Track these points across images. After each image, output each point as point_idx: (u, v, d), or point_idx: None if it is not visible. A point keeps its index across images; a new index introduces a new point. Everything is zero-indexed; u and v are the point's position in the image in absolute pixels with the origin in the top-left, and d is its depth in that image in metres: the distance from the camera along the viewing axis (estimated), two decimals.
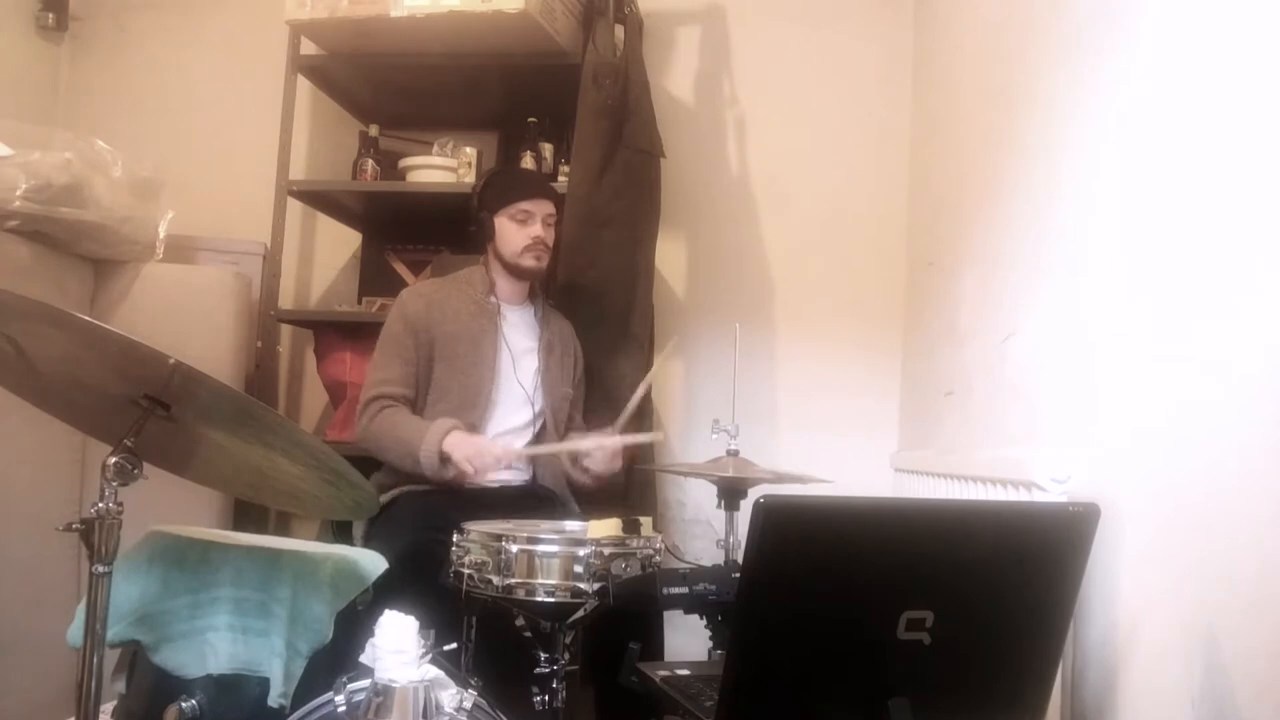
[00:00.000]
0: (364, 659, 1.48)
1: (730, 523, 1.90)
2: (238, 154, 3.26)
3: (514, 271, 2.48)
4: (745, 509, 1.38)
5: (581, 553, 1.72)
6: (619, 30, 2.90)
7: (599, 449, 2.35)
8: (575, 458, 2.40)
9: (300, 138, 3.11)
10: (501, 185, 2.51)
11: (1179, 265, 1.44)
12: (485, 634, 1.95)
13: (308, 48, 2.97)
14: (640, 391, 2.37)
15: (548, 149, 3.02)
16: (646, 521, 1.82)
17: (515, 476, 2.46)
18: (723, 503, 1.92)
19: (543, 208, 2.47)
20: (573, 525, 1.99)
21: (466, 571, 1.78)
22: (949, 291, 2.54)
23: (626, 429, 2.37)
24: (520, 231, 2.44)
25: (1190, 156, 1.42)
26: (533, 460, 2.48)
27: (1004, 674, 1.30)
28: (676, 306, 3.23)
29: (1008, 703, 1.31)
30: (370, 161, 3.07)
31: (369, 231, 3.35)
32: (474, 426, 2.36)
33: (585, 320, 2.70)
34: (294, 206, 3.06)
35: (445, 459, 2.24)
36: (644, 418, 2.89)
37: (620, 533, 1.79)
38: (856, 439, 3.02)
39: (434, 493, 2.30)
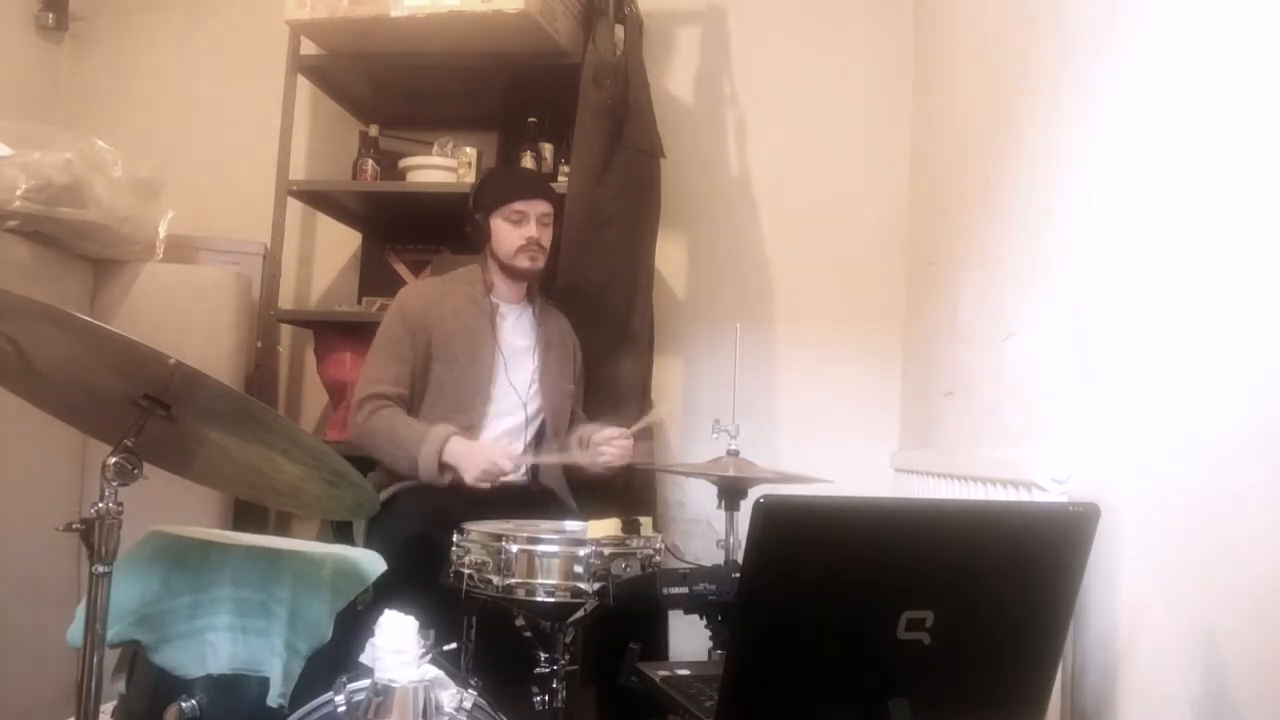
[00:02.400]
0: (364, 659, 1.48)
1: (730, 523, 1.90)
2: (238, 154, 3.26)
3: (510, 272, 2.48)
4: (745, 509, 1.38)
5: (581, 553, 1.72)
6: (619, 30, 2.90)
7: (609, 444, 2.34)
8: (587, 443, 2.39)
9: (300, 138, 3.11)
10: (496, 186, 2.51)
11: (1180, 265, 1.44)
12: (485, 634, 1.95)
13: (308, 48, 2.97)
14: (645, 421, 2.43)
15: (548, 149, 3.02)
16: (646, 521, 1.82)
17: (515, 476, 2.45)
18: (723, 503, 1.92)
19: (537, 208, 2.45)
20: (573, 525, 1.99)
21: (466, 571, 1.78)
22: (949, 291, 2.54)
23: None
24: (514, 232, 2.43)
25: (1191, 156, 1.42)
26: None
27: (1004, 674, 1.30)
28: (676, 306, 3.23)
29: (1008, 703, 1.31)
30: (370, 161, 3.07)
31: (369, 231, 3.35)
32: (471, 427, 2.36)
33: (585, 320, 2.70)
34: (294, 206, 3.06)
35: (444, 467, 2.24)
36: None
37: (620, 533, 1.79)
38: (856, 439, 3.02)
39: (433, 489, 2.30)
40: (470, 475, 2.23)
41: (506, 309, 2.51)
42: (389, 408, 2.36)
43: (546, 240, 2.48)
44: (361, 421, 2.36)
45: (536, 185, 2.55)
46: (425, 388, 2.41)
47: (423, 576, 1.88)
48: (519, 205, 2.44)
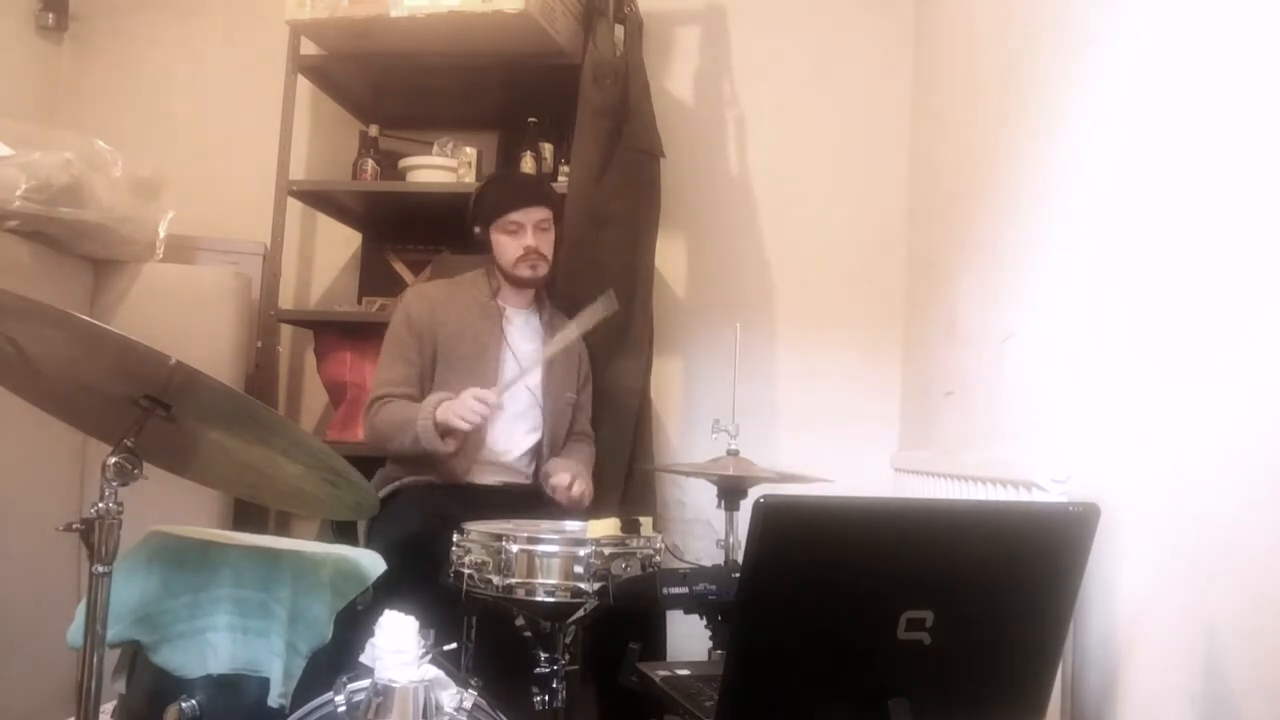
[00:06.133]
0: (364, 659, 1.48)
1: (730, 523, 1.89)
2: (238, 154, 3.26)
3: (512, 281, 2.48)
4: (745, 509, 1.38)
5: (581, 553, 1.72)
6: (619, 30, 2.90)
7: (559, 481, 2.35)
8: (547, 478, 2.41)
9: (300, 138, 3.11)
10: (490, 199, 2.50)
11: (1180, 266, 1.44)
12: (485, 634, 1.95)
13: (308, 48, 2.97)
14: (577, 327, 2.35)
15: (548, 149, 3.02)
16: (646, 521, 1.82)
17: (516, 477, 2.46)
18: (723, 503, 1.92)
19: (533, 215, 2.44)
20: (573, 525, 1.99)
21: (466, 571, 1.79)
22: (949, 292, 2.54)
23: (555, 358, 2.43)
24: (512, 243, 2.43)
25: (1191, 158, 1.42)
26: (534, 460, 2.48)
27: (1004, 674, 1.30)
28: (676, 306, 3.23)
29: (1008, 703, 1.31)
30: (370, 161, 3.07)
31: (369, 231, 3.35)
32: (477, 427, 2.35)
33: None
34: (294, 206, 3.06)
35: (442, 429, 2.24)
36: (644, 424, 2.90)
37: (620, 533, 1.79)
38: (856, 439, 3.01)
39: (435, 487, 2.30)
40: (460, 422, 2.22)
41: (513, 312, 2.51)
42: (392, 403, 2.36)
43: (547, 246, 2.47)
44: (370, 421, 2.38)
45: (531, 192, 2.52)
46: (431, 389, 2.40)
47: (423, 576, 1.88)
48: (514, 216, 2.43)
